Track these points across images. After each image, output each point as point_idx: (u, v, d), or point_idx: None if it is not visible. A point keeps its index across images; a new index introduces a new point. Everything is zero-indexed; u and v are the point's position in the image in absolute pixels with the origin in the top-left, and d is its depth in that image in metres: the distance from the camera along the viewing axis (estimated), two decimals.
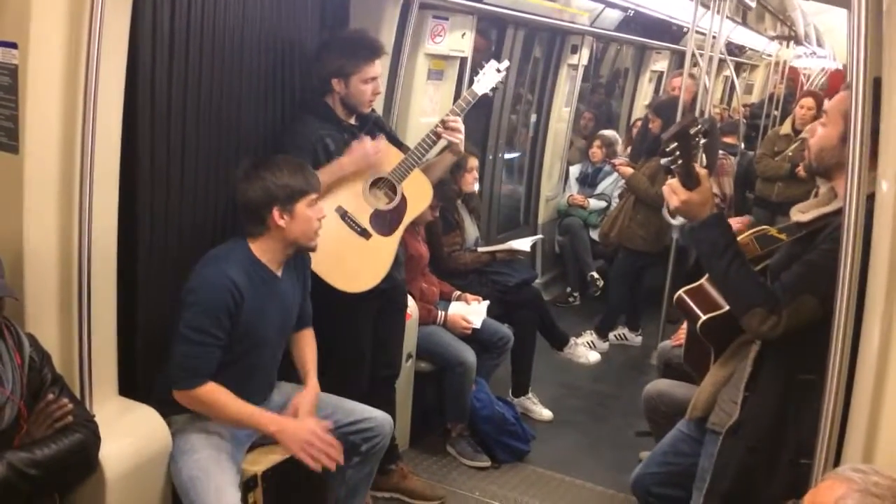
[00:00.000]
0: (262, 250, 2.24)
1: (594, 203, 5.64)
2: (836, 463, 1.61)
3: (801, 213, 1.94)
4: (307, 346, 2.47)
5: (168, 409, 2.16)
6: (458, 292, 3.68)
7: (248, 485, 2.19)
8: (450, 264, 3.79)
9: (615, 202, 5.51)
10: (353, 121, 2.77)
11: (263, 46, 2.65)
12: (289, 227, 2.21)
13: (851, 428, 1.60)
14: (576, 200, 5.67)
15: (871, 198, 1.59)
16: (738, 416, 1.96)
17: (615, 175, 5.49)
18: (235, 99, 2.55)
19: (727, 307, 2.09)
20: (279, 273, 2.29)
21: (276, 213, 2.19)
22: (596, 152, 5.67)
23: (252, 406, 2.19)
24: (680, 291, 2.24)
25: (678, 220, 4.54)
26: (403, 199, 2.74)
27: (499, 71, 2.84)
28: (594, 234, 5.53)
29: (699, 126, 1.80)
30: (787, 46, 9.77)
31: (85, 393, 1.94)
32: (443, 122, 2.76)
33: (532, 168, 5.71)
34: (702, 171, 1.85)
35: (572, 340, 4.47)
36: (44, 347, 1.85)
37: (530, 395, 3.96)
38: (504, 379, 3.96)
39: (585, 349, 4.55)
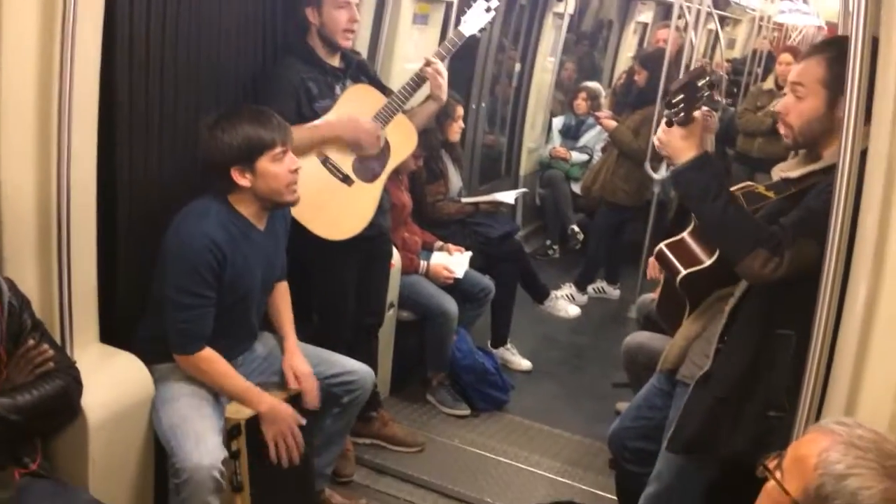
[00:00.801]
0: (240, 204, 2.18)
1: (576, 156, 5.61)
2: (818, 417, 1.62)
3: (785, 171, 1.91)
4: (283, 303, 2.44)
5: (150, 357, 2.14)
6: (441, 242, 3.66)
7: (231, 433, 2.17)
8: (433, 214, 3.76)
9: (598, 155, 5.49)
10: (335, 63, 2.69)
11: None
12: (254, 185, 2.13)
13: (834, 382, 1.60)
14: (558, 153, 5.63)
15: (862, 154, 1.56)
16: (708, 368, 1.96)
17: (598, 128, 5.45)
18: (215, 42, 2.45)
19: (708, 262, 2.08)
20: (261, 226, 2.23)
21: (235, 172, 2.11)
22: (580, 104, 5.62)
23: (247, 382, 2.20)
24: (661, 245, 2.21)
25: (660, 174, 4.56)
26: (387, 144, 2.68)
27: (488, 10, 2.74)
28: (576, 188, 5.52)
29: (707, 78, 1.76)
30: (772, 1, 9.69)
31: (66, 339, 1.90)
32: (427, 62, 2.69)
33: (515, 119, 5.65)
34: (697, 113, 1.80)
35: (552, 294, 4.48)
36: (23, 292, 1.80)
37: (509, 345, 3.99)
38: (484, 330, 3.97)
39: (565, 303, 4.57)
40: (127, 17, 2.08)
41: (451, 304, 3.37)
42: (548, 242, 5.67)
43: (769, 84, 5.57)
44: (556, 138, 5.76)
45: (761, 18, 9.87)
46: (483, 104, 5.24)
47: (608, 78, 7.19)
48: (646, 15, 7.50)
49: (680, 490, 2.06)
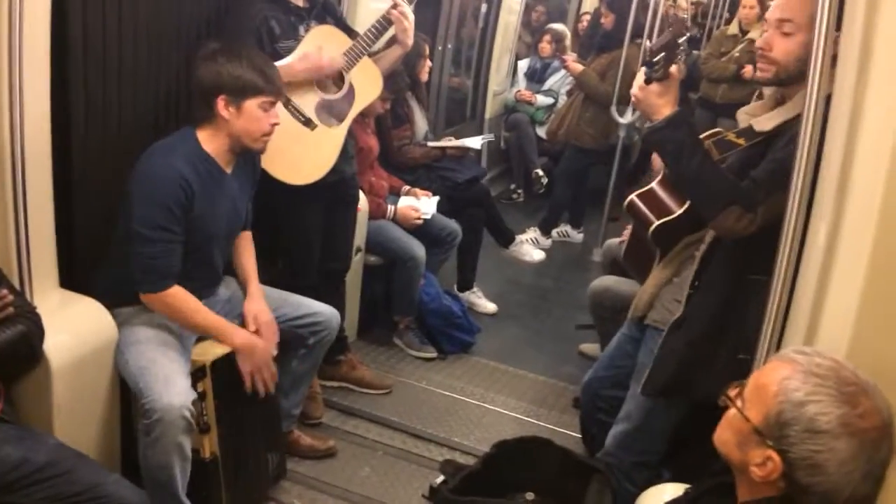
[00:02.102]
0: (210, 143, 2.13)
1: (541, 99, 5.56)
2: (779, 348, 1.65)
3: (751, 116, 1.92)
4: (246, 251, 2.40)
5: (112, 300, 2.09)
6: (408, 187, 3.62)
7: (196, 375, 2.16)
8: (399, 158, 3.71)
9: (563, 99, 5.45)
10: (299, 2, 2.59)
11: None
12: (233, 121, 2.10)
13: (793, 319, 1.64)
14: (523, 96, 5.58)
15: (829, 100, 1.56)
16: (681, 313, 1.99)
17: (563, 71, 5.40)
18: None
19: (679, 211, 2.09)
20: (228, 170, 2.19)
21: (220, 101, 2.08)
22: (545, 47, 5.54)
23: (219, 317, 2.16)
24: (632, 196, 2.21)
25: (626, 119, 4.55)
26: (351, 88, 2.61)
27: None
28: (540, 131, 5.49)
29: (686, 35, 1.75)
30: None
31: (25, 285, 1.85)
32: (394, 4, 2.61)
33: (480, 61, 5.56)
34: (672, 68, 1.79)
35: (518, 238, 4.49)
36: None
37: (475, 289, 4.00)
38: (450, 274, 3.97)
39: (531, 247, 4.58)
40: None
41: (418, 249, 3.35)
42: (512, 186, 5.66)
43: (733, 29, 5.53)
44: (522, 81, 5.69)
45: None
46: (449, 46, 5.13)
47: (573, 20, 7.08)
48: None
49: (648, 428, 2.12)
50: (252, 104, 2.09)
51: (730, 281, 1.90)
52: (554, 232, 5.03)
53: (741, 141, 1.91)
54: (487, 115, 5.67)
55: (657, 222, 2.10)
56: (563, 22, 6.61)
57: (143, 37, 2.25)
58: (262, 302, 2.32)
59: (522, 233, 4.79)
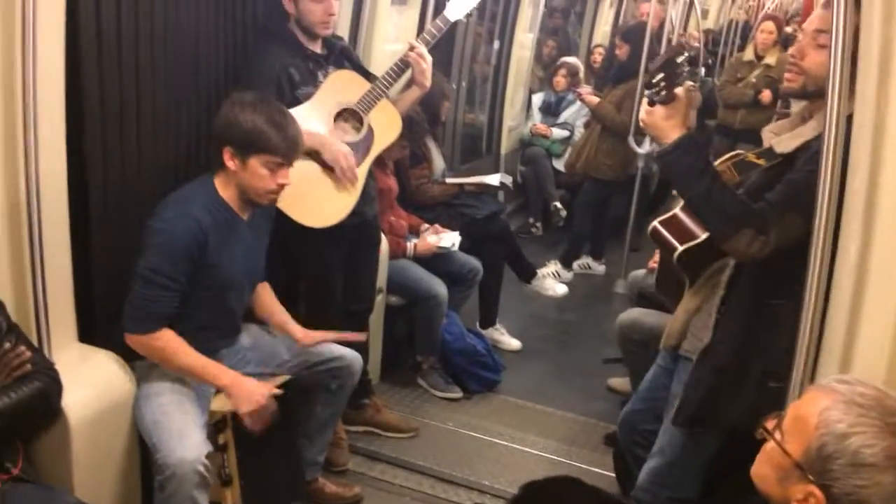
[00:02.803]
0: (224, 190, 2.11)
1: (557, 132, 5.54)
2: (813, 379, 1.59)
3: (774, 135, 1.86)
4: (268, 297, 2.39)
5: (131, 354, 2.07)
6: (427, 225, 3.58)
7: (217, 426, 2.13)
8: (417, 197, 3.68)
9: (578, 131, 5.43)
10: (317, 48, 2.60)
11: None
12: (239, 173, 2.07)
13: (827, 343, 1.59)
14: (539, 130, 5.56)
15: (850, 119, 1.53)
16: (709, 340, 1.93)
17: (578, 104, 5.39)
18: (193, 24, 2.35)
19: (703, 236, 2.04)
20: (244, 216, 2.17)
21: (227, 152, 2.06)
22: (559, 81, 5.54)
23: (205, 358, 2.09)
24: (654, 222, 2.16)
25: (644, 149, 4.51)
26: (371, 130, 2.59)
27: None
28: (557, 164, 5.46)
29: (686, 54, 1.71)
30: None
31: (43, 340, 1.83)
32: (411, 47, 2.60)
33: (494, 97, 5.56)
34: (679, 90, 1.75)
35: (539, 272, 4.42)
36: None
37: (498, 326, 3.93)
38: (472, 311, 3.91)
39: (553, 281, 4.51)
40: (93, 5, 1.97)
41: (440, 287, 3.30)
42: (530, 220, 5.61)
43: (749, 55, 5.50)
44: (537, 115, 5.68)
45: None
46: (463, 83, 5.14)
47: (585, 52, 7.09)
48: None
49: (682, 463, 2.05)
50: (256, 161, 2.04)
51: (752, 307, 1.85)
52: (575, 264, 4.96)
53: (761, 161, 1.87)
54: (503, 151, 5.65)
55: (681, 248, 2.05)
56: (574, 55, 6.62)
57: (161, 86, 2.26)
58: (308, 332, 2.33)
59: (543, 266, 4.72)
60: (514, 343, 3.91)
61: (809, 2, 13.03)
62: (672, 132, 1.75)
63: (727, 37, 8.90)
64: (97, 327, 2.11)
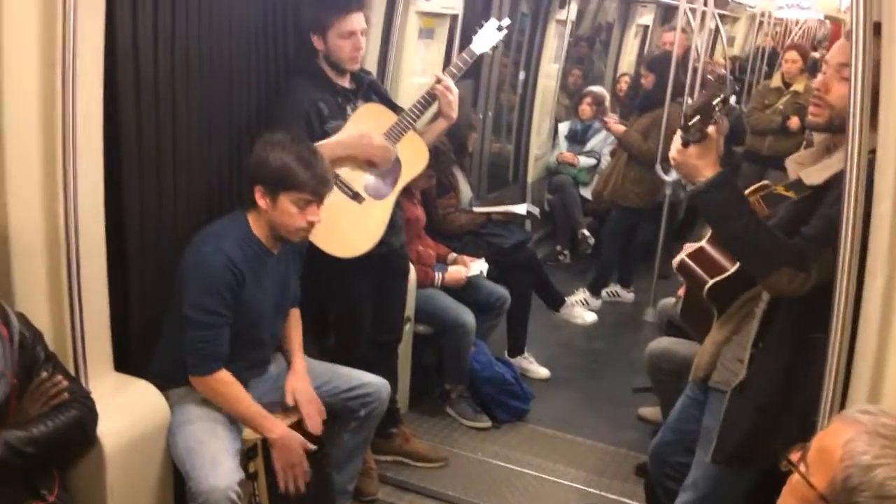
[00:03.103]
0: (256, 226, 2.16)
1: (584, 160, 5.54)
2: (842, 408, 1.58)
3: (799, 165, 1.85)
4: (293, 328, 2.41)
5: (165, 382, 2.11)
6: (455, 254, 3.59)
7: (248, 454, 2.15)
8: (445, 226, 3.71)
9: (605, 159, 5.43)
10: (346, 83, 2.65)
11: (253, 5, 2.51)
12: (269, 211, 2.12)
13: (856, 376, 1.58)
14: (565, 158, 5.57)
15: (872, 152, 1.53)
16: (745, 374, 1.90)
17: (604, 132, 5.40)
18: (226, 63, 2.41)
19: (732, 269, 2.02)
20: (275, 250, 2.21)
21: (257, 191, 2.11)
22: (585, 109, 5.55)
23: (261, 408, 2.15)
24: (682, 256, 2.14)
25: (671, 176, 4.49)
26: (398, 162, 2.63)
27: (499, 29, 2.71)
28: (584, 192, 5.46)
29: (721, 96, 1.71)
30: None
31: (80, 369, 1.87)
32: (437, 80, 2.64)
33: (521, 126, 5.59)
34: (711, 129, 1.74)
35: (568, 300, 4.40)
36: (35, 326, 1.77)
37: (526, 354, 3.92)
38: (499, 339, 3.90)
39: (581, 309, 4.48)
40: (130, 46, 2.04)
41: (468, 316, 3.31)
42: (558, 248, 5.60)
43: (776, 82, 5.48)
44: (563, 144, 5.69)
45: (762, 15, 9.81)
46: (490, 113, 5.19)
47: (610, 81, 7.12)
48: (646, 18, 7.44)
49: (716, 497, 2.01)
50: (286, 199, 2.08)
51: (793, 341, 1.81)
52: (604, 292, 4.93)
53: (791, 194, 1.86)
54: (530, 179, 5.67)
55: (711, 281, 2.03)
56: (599, 84, 6.65)
57: (195, 126, 2.31)
58: (305, 379, 2.30)
59: (572, 294, 4.70)
60: (542, 371, 3.89)
61: (837, 27, 13.00)
62: (705, 171, 1.73)
63: (754, 64, 8.87)
64: (133, 356, 2.15)
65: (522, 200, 5.50)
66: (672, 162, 1.80)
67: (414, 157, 2.67)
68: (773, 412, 1.83)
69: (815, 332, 1.73)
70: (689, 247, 2.17)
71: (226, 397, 2.11)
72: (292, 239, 2.17)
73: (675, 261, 2.13)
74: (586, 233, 5.34)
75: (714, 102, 1.70)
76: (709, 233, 2.17)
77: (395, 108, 2.74)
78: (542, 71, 5.45)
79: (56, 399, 1.73)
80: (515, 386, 3.48)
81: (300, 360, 2.34)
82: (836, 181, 1.69)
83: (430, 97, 2.63)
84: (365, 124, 2.58)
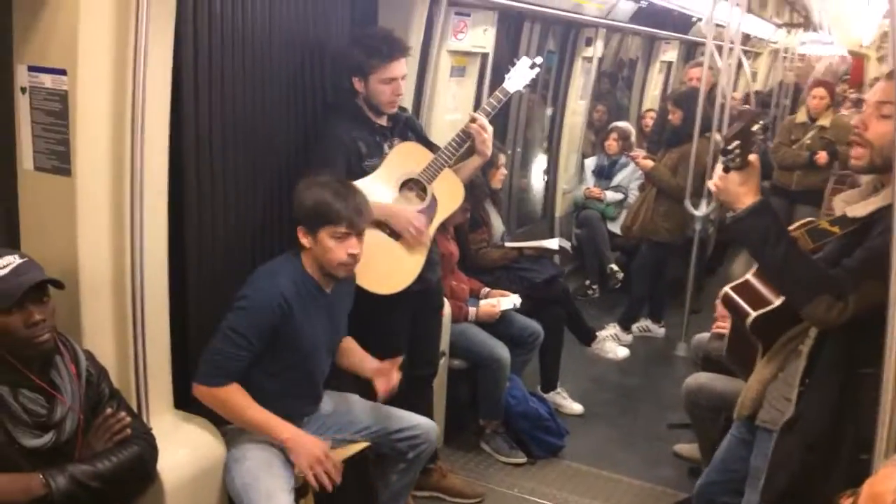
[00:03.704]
0: (308, 263, 2.23)
1: (611, 195, 5.60)
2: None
3: (847, 204, 1.87)
4: (353, 347, 2.50)
5: (222, 419, 2.17)
6: (487, 289, 3.65)
7: (298, 491, 2.19)
8: (478, 261, 3.76)
9: (632, 194, 5.49)
10: (383, 122, 2.73)
11: (291, 49, 2.62)
12: (313, 249, 2.20)
13: None
14: (593, 193, 5.64)
15: None
16: (793, 412, 1.90)
17: (631, 167, 5.47)
18: (266, 106, 2.53)
19: (777, 302, 2.02)
20: (328, 289, 2.27)
21: (300, 231, 2.20)
22: (612, 144, 5.63)
23: (267, 412, 2.16)
24: (726, 288, 2.14)
25: (701, 211, 4.54)
26: (434, 199, 2.70)
27: (532, 67, 2.78)
28: (612, 227, 5.51)
29: (761, 122, 1.76)
30: (789, 33, 9.73)
31: (142, 406, 1.96)
32: (472, 119, 2.72)
33: (549, 161, 5.68)
34: (752, 157, 1.79)
35: (599, 335, 4.43)
36: (100, 363, 1.86)
37: (559, 389, 3.94)
38: (531, 374, 3.93)
39: (614, 344, 4.50)
40: (192, 94, 2.17)
41: (503, 350, 3.35)
42: (587, 282, 5.63)
43: (801, 117, 5.54)
44: (590, 179, 5.77)
45: (786, 50, 9.89)
46: (518, 149, 5.27)
47: (635, 116, 7.21)
48: (670, 54, 7.55)
49: None
50: (325, 234, 2.16)
51: (841, 377, 1.82)
52: (634, 327, 4.95)
53: (835, 229, 1.88)
54: (558, 214, 5.73)
55: (755, 314, 2.03)
56: (624, 119, 6.74)
57: (242, 170, 2.43)
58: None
59: (602, 329, 4.74)
60: (576, 407, 3.91)
61: (858, 62, 13.04)
62: (746, 198, 1.78)
63: (778, 98, 8.94)
64: (191, 395, 2.20)
65: (551, 235, 5.57)
66: (714, 188, 1.84)
67: (450, 195, 2.74)
68: (823, 450, 1.82)
69: (861, 368, 1.76)
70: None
71: (230, 406, 2.12)
72: (337, 274, 2.22)
73: (721, 293, 2.15)
74: (615, 267, 5.38)
75: (754, 128, 1.74)
76: (743, 267, 2.18)
77: (430, 145, 2.82)
78: (568, 108, 5.55)
79: (120, 435, 1.81)
80: (550, 421, 3.51)
81: (374, 362, 2.43)
82: (882, 215, 1.72)
83: (465, 135, 2.70)
84: (402, 162, 2.66)
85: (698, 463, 3.38)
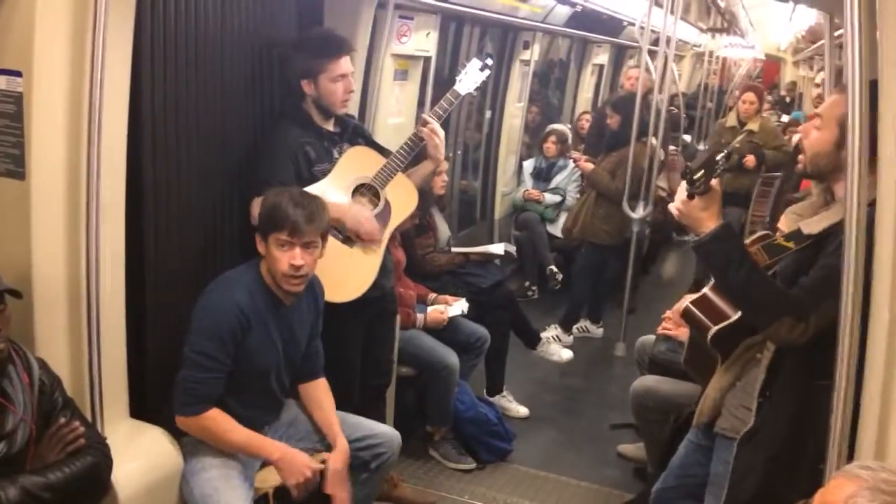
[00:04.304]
0: (267, 275, 2.23)
1: (549, 198, 5.73)
2: (849, 462, 1.63)
3: (798, 217, 1.97)
4: (325, 401, 2.44)
5: (180, 430, 2.15)
6: (434, 295, 3.69)
7: (258, 503, 2.19)
8: (424, 266, 3.80)
9: (570, 196, 5.64)
10: (331, 127, 2.74)
11: (242, 53, 2.62)
12: (267, 259, 2.20)
13: (862, 429, 1.65)
14: (531, 195, 5.75)
15: (872, 204, 1.63)
16: (753, 423, 1.96)
17: (569, 169, 5.64)
18: (220, 111, 2.53)
19: (735, 316, 2.08)
20: (287, 301, 2.27)
21: (257, 237, 2.21)
22: (550, 147, 5.76)
23: (252, 433, 2.19)
24: (686, 303, 2.21)
25: (638, 213, 4.72)
26: (388, 204, 2.72)
27: (482, 69, 2.82)
28: (551, 229, 5.64)
29: (724, 152, 1.85)
30: (716, 38, 10.18)
31: (96, 416, 1.94)
32: (424, 122, 2.75)
33: (488, 164, 5.77)
34: (713, 182, 1.86)
35: (543, 337, 4.53)
36: (54, 371, 1.84)
37: (505, 393, 4.02)
38: (476, 379, 3.98)
39: (558, 346, 4.59)
40: (149, 97, 2.16)
41: (452, 357, 3.39)
42: (527, 284, 5.74)
43: (731, 121, 5.82)
44: (528, 181, 5.88)
45: (710, 54, 10.33)
46: (459, 152, 5.34)
47: (568, 118, 7.40)
48: (602, 57, 7.78)
49: None
50: (272, 241, 2.16)
51: (800, 389, 1.88)
52: (574, 328, 5.09)
53: (790, 244, 1.94)
54: (497, 216, 5.83)
55: (715, 328, 2.11)
56: (556, 121, 6.91)
57: (196, 176, 2.42)
58: (345, 461, 2.32)
59: (543, 331, 4.84)
60: (521, 410, 4.00)
61: (772, 65, 13.67)
62: (708, 222, 1.85)
63: (703, 101, 9.33)
64: (148, 403, 2.22)
65: (490, 237, 5.67)
66: (676, 213, 1.91)
67: (404, 200, 2.76)
68: (784, 461, 1.88)
69: (820, 380, 1.79)
70: (689, 297, 2.27)
71: (215, 432, 2.14)
72: (283, 286, 2.19)
73: (681, 308, 2.21)
74: (554, 269, 5.51)
75: (718, 158, 1.84)
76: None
77: (382, 150, 2.84)
78: (507, 110, 5.66)
79: (73, 445, 1.79)
80: (498, 426, 3.58)
81: (343, 440, 2.35)
82: (835, 232, 1.79)
83: (417, 140, 2.72)
84: (353, 167, 2.67)
85: (643, 463, 3.52)
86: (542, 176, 5.84)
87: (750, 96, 5.64)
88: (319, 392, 2.43)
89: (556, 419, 4.05)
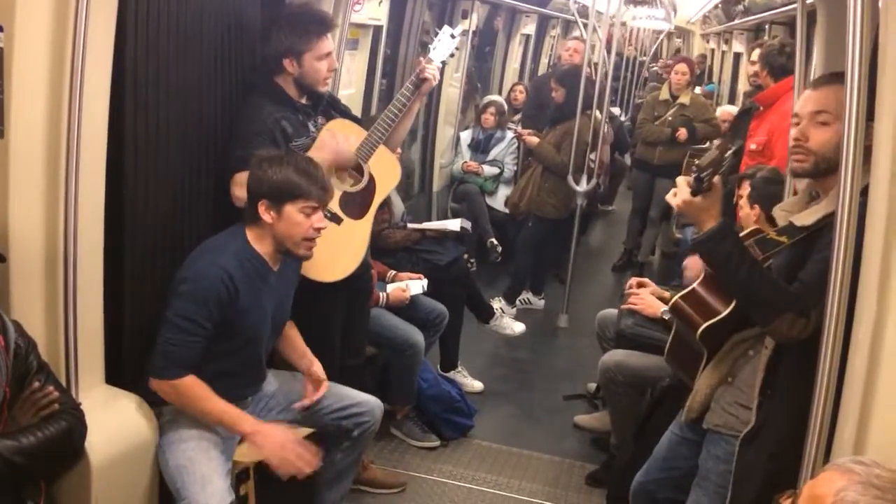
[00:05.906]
0: (257, 243, 2.19)
1: (488, 170, 5.69)
2: (826, 458, 1.65)
3: (787, 213, 1.96)
4: (296, 336, 2.46)
5: (158, 399, 2.10)
6: (394, 272, 3.61)
7: (239, 477, 2.18)
8: (379, 243, 3.69)
9: (507, 169, 5.62)
10: (304, 100, 2.61)
11: (213, 25, 2.45)
12: (275, 224, 2.16)
13: (841, 424, 1.64)
14: (470, 167, 5.69)
15: (863, 193, 1.62)
16: (754, 423, 1.94)
17: (506, 140, 5.62)
18: (196, 80, 2.39)
19: (725, 312, 2.08)
20: (275, 267, 2.24)
21: (262, 206, 2.14)
22: (488, 118, 5.71)
23: (226, 404, 2.13)
24: (676, 298, 2.20)
25: (582, 187, 4.75)
26: (371, 178, 2.64)
27: (453, 37, 2.76)
28: (489, 201, 5.61)
29: (731, 149, 1.84)
30: (630, 8, 10.29)
31: (71, 381, 1.90)
32: (421, 70, 2.66)
33: (426, 135, 5.67)
34: (715, 180, 1.86)
35: (497, 312, 4.52)
36: (29, 335, 1.77)
37: (460, 368, 4.00)
38: (430, 355, 3.94)
39: (510, 320, 4.59)
40: (132, 59, 2.05)
41: (417, 335, 3.34)
42: (465, 256, 5.69)
43: (664, 94, 5.90)
44: (466, 153, 5.82)
45: (623, 24, 10.44)
46: None
47: (497, 88, 7.35)
48: (529, 27, 7.75)
49: None
50: (292, 208, 2.14)
51: (802, 387, 1.82)
52: (517, 300, 5.11)
53: (783, 239, 1.93)
54: (435, 188, 5.76)
55: (705, 324, 2.09)
56: (486, 91, 6.87)
57: (175, 143, 2.31)
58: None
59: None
60: (476, 385, 4.00)
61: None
62: (709, 221, 1.85)
63: (624, 72, 9.47)
64: (124, 370, 2.16)
65: (430, 210, 5.60)
66: (677, 208, 1.90)
67: (386, 172, 2.70)
68: (786, 457, 1.85)
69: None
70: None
71: (190, 399, 2.09)
72: (298, 251, 2.20)
73: (671, 302, 2.20)
74: (495, 241, 5.48)
75: (726, 155, 1.82)
76: (701, 276, 2.22)
77: (358, 121, 2.76)
78: (445, 80, 5.55)
79: (46, 410, 1.75)
80: (461, 402, 3.57)
81: (318, 364, 2.40)
82: (829, 224, 1.76)
83: (399, 113, 2.64)
84: (338, 139, 2.56)
85: (600, 433, 3.59)
86: (480, 148, 5.79)
87: (682, 67, 5.74)
88: (294, 336, 2.46)
89: (510, 393, 4.08)
